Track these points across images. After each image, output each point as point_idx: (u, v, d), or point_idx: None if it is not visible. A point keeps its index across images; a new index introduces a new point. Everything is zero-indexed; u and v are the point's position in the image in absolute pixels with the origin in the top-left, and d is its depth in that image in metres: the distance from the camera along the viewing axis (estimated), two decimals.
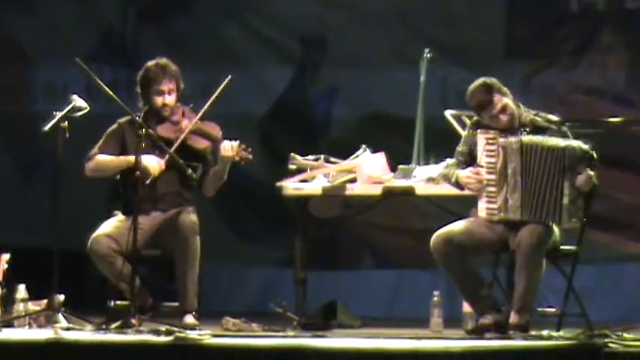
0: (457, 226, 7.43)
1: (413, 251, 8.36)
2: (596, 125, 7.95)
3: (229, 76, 7.72)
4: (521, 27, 9.48)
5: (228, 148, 7.60)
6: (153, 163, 7.54)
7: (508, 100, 7.36)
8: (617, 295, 8.05)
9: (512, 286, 7.38)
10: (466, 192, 7.59)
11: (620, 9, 9.47)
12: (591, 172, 7.30)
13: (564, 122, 7.56)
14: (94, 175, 7.79)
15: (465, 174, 7.40)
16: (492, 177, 7.38)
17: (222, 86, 7.70)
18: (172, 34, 9.55)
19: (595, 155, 7.36)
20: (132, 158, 7.51)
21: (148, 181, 7.51)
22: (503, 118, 7.32)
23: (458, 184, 7.54)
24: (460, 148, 7.55)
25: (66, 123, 7.66)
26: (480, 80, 7.42)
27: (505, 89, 7.35)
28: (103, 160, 7.70)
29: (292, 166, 8.10)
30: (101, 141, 7.79)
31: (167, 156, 7.57)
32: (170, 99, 7.71)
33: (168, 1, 9.83)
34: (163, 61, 7.87)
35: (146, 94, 7.76)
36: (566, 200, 7.31)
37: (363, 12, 9.57)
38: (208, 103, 7.68)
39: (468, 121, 7.73)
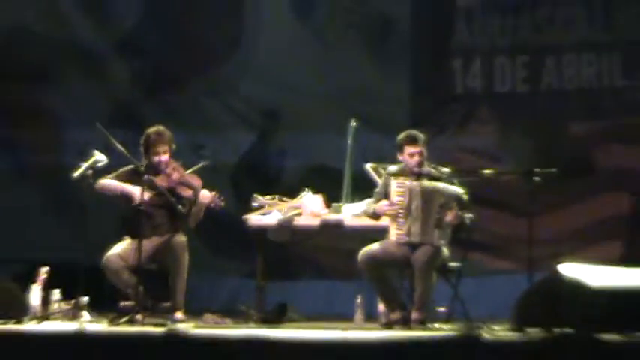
0: (376, 247, 7.48)
1: (342, 266, 8.35)
2: (475, 175, 7.99)
3: (203, 163, 7.86)
4: (421, 103, 9.52)
5: (206, 196, 7.64)
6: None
7: (423, 150, 7.50)
8: (489, 298, 8.07)
9: (414, 291, 7.45)
10: (380, 222, 7.66)
11: (492, 92, 9.54)
12: (459, 212, 7.43)
13: (452, 173, 7.66)
14: (101, 191, 7.72)
15: (382, 204, 7.49)
16: (400, 211, 7.47)
17: (198, 166, 7.82)
18: (168, 107, 9.50)
19: (465, 198, 7.49)
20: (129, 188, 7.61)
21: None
22: (415, 159, 7.45)
23: (375, 215, 7.64)
24: (378, 189, 7.65)
25: (90, 172, 7.67)
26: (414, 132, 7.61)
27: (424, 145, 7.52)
28: (105, 182, 7.68)
29: (254, 204, 8.09)
30: (114, 174, 7.74)
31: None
32: (164, 157, 7.68)
33: (166, 83, 9.79)
34: (160, 128, 7.81)
35: (147, 154, 7.72)
36: (438, 227, 7.43)
37: (307, 92, 9.57)
38: (191, 169, 7.78)
39: (382, 172, 7.81)
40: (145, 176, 7.58)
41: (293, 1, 9.78)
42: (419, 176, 7.54)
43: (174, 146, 7.77)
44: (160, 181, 7.66)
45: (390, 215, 7.52)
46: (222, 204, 7.72)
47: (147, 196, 7.60)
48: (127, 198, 7.69)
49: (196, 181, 7.72)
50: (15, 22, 9.81)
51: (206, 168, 7.97)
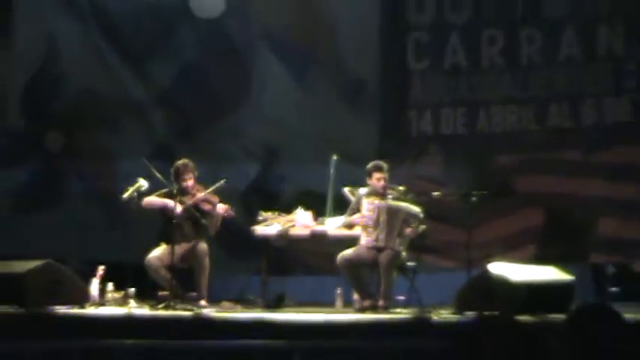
0: (350, 251, 7.57)
1: (326, 265, 8.26)
2: (427, 197, 7.99)
3: (223, 180, 7.81)
4: (386, 142, 9.41)
5: (221, 207, 7.72)
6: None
7: (386, 176, 7.62)
8: (437, 289, 7.95)
9: (380, 284, 7.51)
10: (353, 232, 7.75)
11: (439, 134, 9.47)
12: (417, 228, 7.56)
13: (407, 191, 7.77)
14: (147, 206, 7.81)
15: (357, 216, 7.64)
16: (370, 223, 7.57)
17: (217, 184, 7.79)
18: (194, 145, 9.35)
19: (421, 216, 7.59)
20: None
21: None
22: (380, 184, 7.58)
23: (350, 225, 7.75)
24: (352, 205, 7.77)
25: (135, 194, 7.76)
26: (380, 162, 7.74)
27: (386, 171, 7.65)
28: (149, 199, 7.78)
29: (260, 218, 8.17)
30: (154, 194, 7.81)
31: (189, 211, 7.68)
32: (190, 182, 7.75)
33: (193, 127, 9.66)
34: (185, 161, 7.89)
35: (176, 180, 7.77)
36: (399, 236, 7.52)
37: (300, 134, 9.49)
38: (210, 189, 7.79)
39: (356, 193, 7.84)
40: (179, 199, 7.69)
41: (290, 66, 9.72)
42: (384, 196, 7.67)
43: (197, 173, 7.85)
44: (187, 200, 7.72)
45: (362, 225, 7.64)
46: (233, 213, 7.80)
47: (178, 210, 7.65)
48: (165, 209, 7.74)
49: (214, 198, 7.77)
50: (85, 85, 9.80)
51: (223, 190, 7.98)
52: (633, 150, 9.07)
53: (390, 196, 7.65)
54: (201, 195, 7.73)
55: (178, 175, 7.77)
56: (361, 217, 7.63)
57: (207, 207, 7.72)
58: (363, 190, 7.75)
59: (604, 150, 9.14)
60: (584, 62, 9.27)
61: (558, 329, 2.46)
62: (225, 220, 7.91)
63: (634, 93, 9.14)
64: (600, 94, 9.22)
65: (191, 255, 7.66)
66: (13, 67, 9.98)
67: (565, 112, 9.28)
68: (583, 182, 9.14)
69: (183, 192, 7.74)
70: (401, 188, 7.76)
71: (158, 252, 7.69)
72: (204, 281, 7.62)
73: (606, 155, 9.12)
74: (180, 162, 7.88)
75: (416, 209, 7.62)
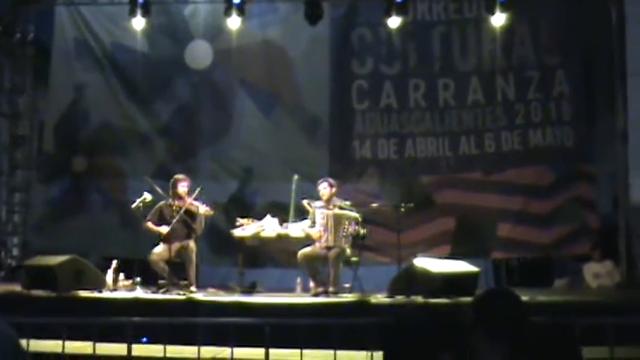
0: (308, 249, 7.57)
1: (289, 260, 8.18)
2: (366, 208, 8.00)
3: (199, 188, 7.69)
4: (335, 165, 9.35)
5: (202, 208, 7.61)
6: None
7: (332, 191, 7.63)
8: (374, 279, 7.89)
9: (329, 275, 7.46)
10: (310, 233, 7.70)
11: (376, 159, 9.50)
12: (355, 227, 7.53)
13: (352, 205, 7.72)
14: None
15: (313, 231, 7.58)
16: (321, 228, 7.58)
17: (196, 192, 7.68)
18: (187, 166, 9.31)
19: (359, 219, 7.58)
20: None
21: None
22: (325, 194, 7.61)
23: (309, 235, 7.68)
24: (309, 217, 7.73)
25: (141, 204, 7.73)
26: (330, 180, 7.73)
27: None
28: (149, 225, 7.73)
29: (237, 224, 8.06)
30: (153, 210, 7.75)
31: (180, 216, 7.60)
32: (183, 190, 7.69)
33: (186, 152, 9.67)
34: (179, 175, 7.93)
35: (173, 189, 7.75)
36: (344, 236, 7.50)
37: (269, 158, 9.47)
38: (193, 195, 7.69)
39: (312, 205, 7.79)
40: (174, 207, 7.64)
41: (260, 105, 9.70)
42: (330, 206, 7.65)
43: (189, 184, 7.80)
44: (180, 205, 7.67)
45: (317, 237, 7.60)
46: (212, 212, 7.74)
47: (173, 215, 7.61)
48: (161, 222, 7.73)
49: (197, 202, 7.66)
50: (103, 120, 9.77)
51: (209, 201, 7.94)
52: (521, 172, 9.25)
53: (335, 207, 7.61)
54: (189, 201, 7.67)
55: (174, 185, 7.77)
56: (317, 232, 7.60)
57: (194, 209, 7.67)
58: (318, 203, 7.73)
59: (499, 172, 9.33)
60: (485, 104, 9.44)
61: (466, 309, 2.43)
62: (209, 220, 7.82)
63: (522, 129, 9.35)
64: (498, 129, 9.39)
65: (183, 252, 7.63)
66: (49, 106, 10.01)
67: (471, 143, 9.42)
68: (484, 196, 9.25)
69: (178, 198, 7.72)
70: (347, 202, 7.73)
71: (158, 249, 7.66)
72: (193, 272, 7.59)
73: (501, 176, 9.31)
74: (176, 175, 7.92)
75: (355, 214, 7.62)
